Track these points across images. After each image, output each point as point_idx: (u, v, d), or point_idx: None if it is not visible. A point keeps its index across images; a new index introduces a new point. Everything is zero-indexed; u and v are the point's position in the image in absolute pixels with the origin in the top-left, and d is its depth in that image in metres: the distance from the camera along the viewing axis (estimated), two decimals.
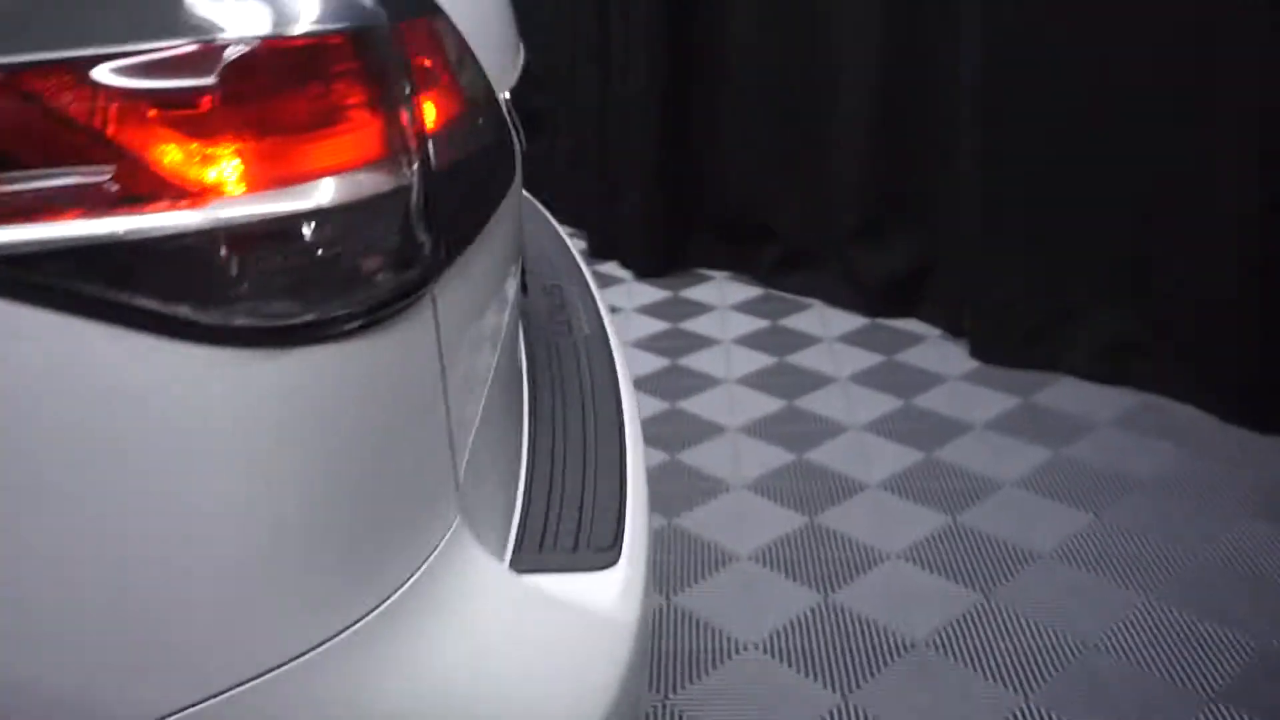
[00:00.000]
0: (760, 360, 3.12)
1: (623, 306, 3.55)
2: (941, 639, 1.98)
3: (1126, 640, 1.97)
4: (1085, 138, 2.79)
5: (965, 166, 3.01)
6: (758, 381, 2.99)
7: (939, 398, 2.87)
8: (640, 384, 3.00)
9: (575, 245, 1.78)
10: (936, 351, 3.14)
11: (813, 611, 2.07)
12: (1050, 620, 2.02)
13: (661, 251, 3.79)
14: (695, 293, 3.65)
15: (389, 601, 0.68)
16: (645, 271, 3.80)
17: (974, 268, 3.04)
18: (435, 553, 0.71)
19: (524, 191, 1.91)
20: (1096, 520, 2.32)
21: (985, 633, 2.00)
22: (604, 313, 1.42)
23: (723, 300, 3.58)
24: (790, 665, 1.93)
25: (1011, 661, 1.93)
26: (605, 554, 0.88)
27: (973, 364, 3.05)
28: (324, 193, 0.62)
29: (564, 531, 0.90)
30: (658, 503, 2.42)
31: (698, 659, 1.96)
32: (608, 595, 0.84)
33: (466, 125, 0.80)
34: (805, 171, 3.46)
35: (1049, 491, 2.43)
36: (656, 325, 3.40)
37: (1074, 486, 2.45)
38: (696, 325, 3.39)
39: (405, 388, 0.68)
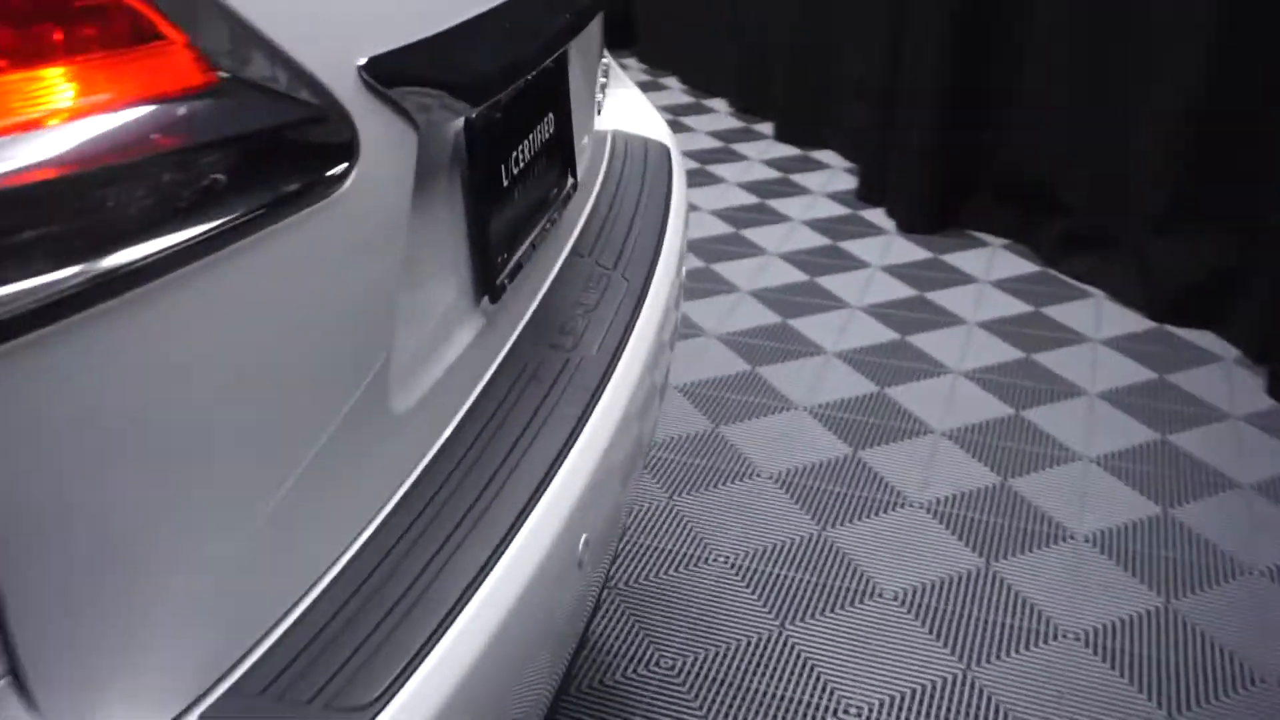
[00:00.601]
0: (1004, 353, 2.68)
1: (872, 263, 3.17)
2: None
3: None
4: None
5: None
6: (991, 379, 2.57)
7: (1207, 439, 2.35)
8: (854, 358, 2.65)
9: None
10: (1224, 379, 2.57)
11: (942, 685, 1.72)
12: None
13: (932, 206, 3.36)
14: (959, 259, 3.20)
15: None
16: (911, 225, 3.38)
17: None
18: None
19: (663, 137, 1.63)
20: None
21: None
22: (641, 325, 1.13)
23: (987, 273, 3.12)
24: None
25: None
26: (347, 717, 0.64)
27: (1267, 403, 2.47)
28: None
29: (319, 671, 0.67)
30: (814, 503, 2.11)
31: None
32: None
33: (163, 116, 0.56)
34: (1107, 140, 2.92)
35: None
36: (901, 291, 3.01)
37: None
38: (946, 298, 2.97)
39: None
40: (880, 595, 1.90)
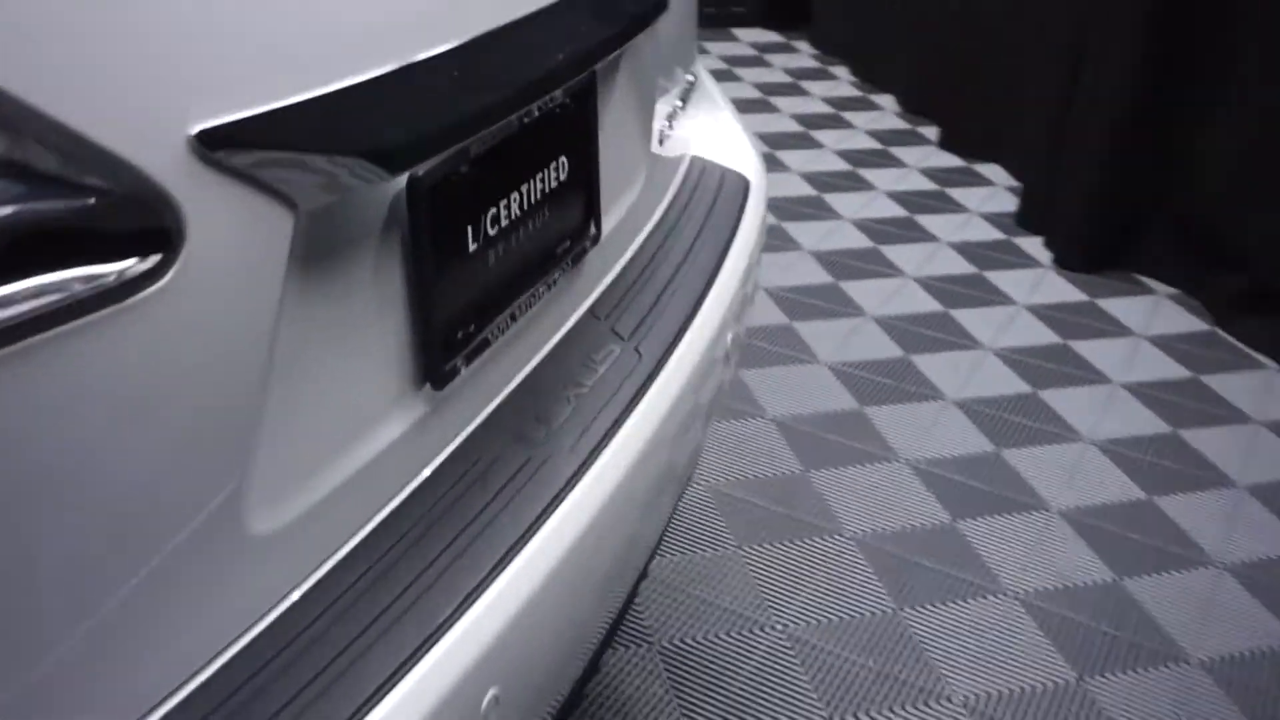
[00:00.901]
0: (1147, 424, 2.39)
1: (1018, 300, 2.89)
2: None
3: None
4: None
5: None
6: (1127, 454, 2.29)
7: None
8: (975, 409, 2.40)
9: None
10: None
11: None
12: None
13: (1096, 241, 3.04)
14: (1117, 306, 2.89)
15: None
16: (1069, 261, 3.07)
17: None
18: None
19: (747, 170, 1.44)
20: None
21: None
22: (639, 417, 0.96)
23: (1146, 326, 2.80)
24: None
25: None
26: None
27: None
28: None
29: None
30: (896, 576, 1.90)
31: None
32: None
33: None
34: None
35: None
36: (1043, 336, 2.73)
37: None
38: (1093, 351, 2.67)
39: None
40: (948, 699, 1.69)
